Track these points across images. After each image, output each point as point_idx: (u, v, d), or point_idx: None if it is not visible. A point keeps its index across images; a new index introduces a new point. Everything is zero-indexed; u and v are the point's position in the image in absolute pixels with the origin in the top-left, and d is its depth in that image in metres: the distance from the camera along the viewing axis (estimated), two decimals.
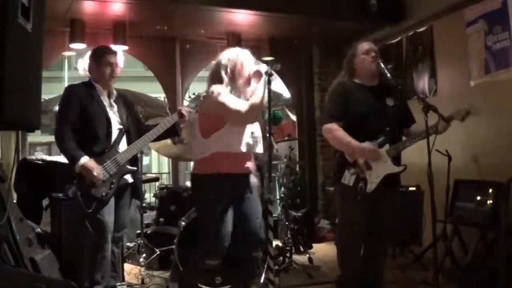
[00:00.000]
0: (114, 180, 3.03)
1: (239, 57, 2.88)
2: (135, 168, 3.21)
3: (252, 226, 2.92)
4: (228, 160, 2.81)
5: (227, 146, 2.81)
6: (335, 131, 2.98)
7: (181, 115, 3.16)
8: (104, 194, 2.98)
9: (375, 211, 2.96)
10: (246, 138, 2.86)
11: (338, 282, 3.20)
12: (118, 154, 3.07)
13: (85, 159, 2.92)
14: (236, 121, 2.81)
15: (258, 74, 2.79)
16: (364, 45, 3.11)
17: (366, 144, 2.91)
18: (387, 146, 2.93)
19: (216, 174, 2.81)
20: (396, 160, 3.00)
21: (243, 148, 2.84)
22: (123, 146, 3.14)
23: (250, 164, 2.94)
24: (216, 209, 2.80)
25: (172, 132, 3.25)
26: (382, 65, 3.02)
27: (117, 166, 3.05)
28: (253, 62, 2.91)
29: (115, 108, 3.19)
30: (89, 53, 3.39)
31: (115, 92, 3.23)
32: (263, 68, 2.81)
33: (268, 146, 3.07)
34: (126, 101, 3.36)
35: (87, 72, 3.32)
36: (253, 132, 2.91)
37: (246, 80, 2.84)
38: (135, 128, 3.27)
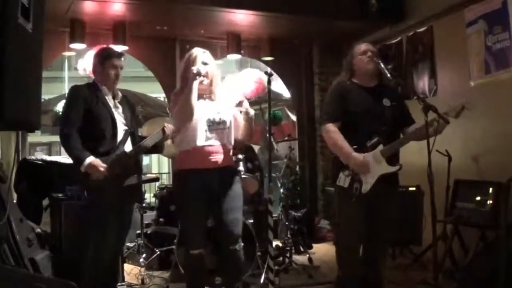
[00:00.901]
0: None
1: (189, 57, 2.97)
2: (140, 169, 3.22)
3: (225, 220, 2.93)
4: (190, 156, 2.91)
5: (186, 143, 2.93)
6: (331, 133, 3.00)
7: (164, 132, 3.18)
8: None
9: (374, 211, 2.97)
10: (202, 131, 2.90)
11: (337, 282, 3.20)
12: None
13: (91, 158, 2.92)
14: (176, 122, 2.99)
15: (193, 75, 2.84)
16: (362, 46, 3.13)
17: (358, 155, 2.91)
18: (381, 147, 2.94)
19: (182, 171, 2.98)
20: (393, 159, 3.00)
21: (200, 142, 2.89)
22: (128, 147, 3.14)
23: (219, 158, 2.93)
24: (182, 203, 2.98)
25: (155, 149, 3.30)
26: (382, 65, 3.03)
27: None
28: (204, 60, 2.94)
29: (120, 109, 3.19)
30: (90, 53, 3.39)
31: (120, 93, 3.24)
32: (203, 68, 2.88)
33: (268, 146, 3.08)
34: (129, 102, 3.37)
35: (87, 72, 3.32)
36: (210, 125, 2.92)
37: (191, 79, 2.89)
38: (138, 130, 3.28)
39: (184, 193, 2.93)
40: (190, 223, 2.96)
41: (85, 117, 3.00)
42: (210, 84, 2.99)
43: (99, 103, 3.06)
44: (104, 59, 3.15)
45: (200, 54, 2.97)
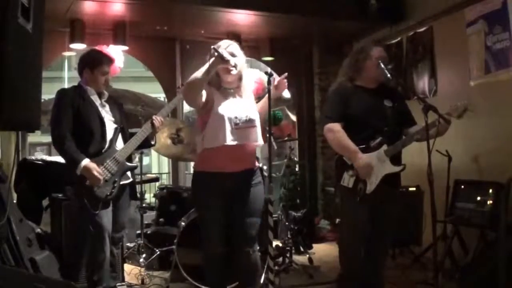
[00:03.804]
0: (116, 179, 3.05)
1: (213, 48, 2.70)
2: (135, 165, 3.23)
3: (243, 222, 2.86)
4: (215, 156, 2.76)
5: (212, 140, 2.74)
6: (335, 132, 2.99)
7: (153, 125, 3.19)
8: (108, 193, 3.00)
9: (376, 211, 2.97)
10: (228, 130, 2.73)
11: (339, 281, 3.20)
12: (116, 153, 3.08)
13: (86, 161, 2.93)
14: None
15: (211, 54, 2.66)
16: (381, 51, 3.08)
17: (364, 156, 2.91)
18: (385, 146, 2.94)
19: (204, 173, 2.85)
20: (396, 159, 3.00)
21: (227, 141, 2.71)
22: (119, 144, 3.15)
23: (243, 161, 2.85)
24: (204, 204, 2.87)
25: (145, 143, 3.27)
26: (383, 65, 3.03)
27: (117, 165, 3.06)
28: (231, 51, 2.76)
29: (107, 107, 3.21)
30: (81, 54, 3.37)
31: (105, 92, 3.24)
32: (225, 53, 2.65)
33: (268, 146, 3.07)
34: (116, 100, 3.39)
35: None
36: (237, 123, 2.76)
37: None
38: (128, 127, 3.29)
39: (203, 194, 2.85)
40: (207, 222, 2.88)
41: (73, 119, 3.01)
42: (239, 79, 2.84)
43: (86, 103, 3.08)
44: (95, 64, 3.15)
45: (225, 43, 2.81)
